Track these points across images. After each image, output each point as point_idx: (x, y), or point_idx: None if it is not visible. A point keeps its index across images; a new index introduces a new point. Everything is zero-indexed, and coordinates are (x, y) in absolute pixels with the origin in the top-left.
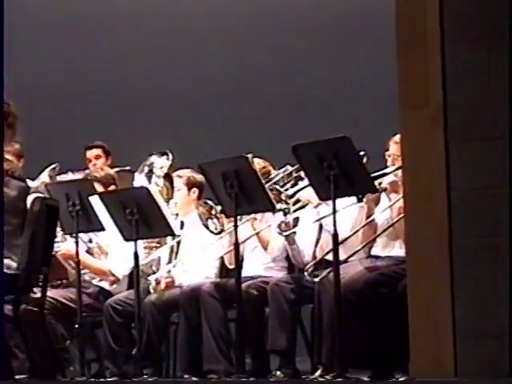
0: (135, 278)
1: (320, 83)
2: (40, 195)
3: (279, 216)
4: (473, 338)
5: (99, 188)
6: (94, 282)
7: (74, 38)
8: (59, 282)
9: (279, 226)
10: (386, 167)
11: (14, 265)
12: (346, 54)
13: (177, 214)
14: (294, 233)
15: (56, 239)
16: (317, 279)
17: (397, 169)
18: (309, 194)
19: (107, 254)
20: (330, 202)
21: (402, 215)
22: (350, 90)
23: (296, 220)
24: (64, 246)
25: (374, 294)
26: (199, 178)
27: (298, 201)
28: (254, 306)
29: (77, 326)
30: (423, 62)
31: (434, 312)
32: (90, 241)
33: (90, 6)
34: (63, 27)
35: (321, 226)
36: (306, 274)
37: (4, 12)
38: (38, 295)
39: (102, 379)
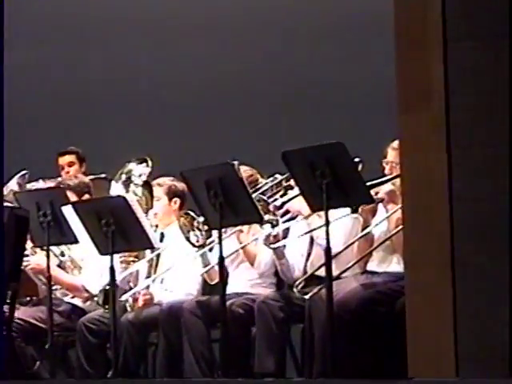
0: (111, 294)
1: (312, 85)
2: (8, 204)
3: (267, 228)
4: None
5: (72, 197)
6: (66, 298)
7: (49, 41)
8: (28, 298)
9: (267, 238)
10: (384, 175)
11: None
12: (339, 54)
13: (156, 226)
14: (283, 246)
15: (25, 252)
16: (307, 296)
17: (395, 177)
18: (299, 205)
19: (81, 268)
20: (322, 213)
21: (400, 227)
22: (344, 93)
23: (285, 232)
24: (34, 259)
25: (370, 313)
26: (181, 186)
27: (287, 212)
28: (239, 325)
29: (47, 346)
30: (424, 63)
31: (434, 333)
32: (63, 254)
33: (67, 11)
34: (39, 30)
35: (312, 239)
36: (295, 290)
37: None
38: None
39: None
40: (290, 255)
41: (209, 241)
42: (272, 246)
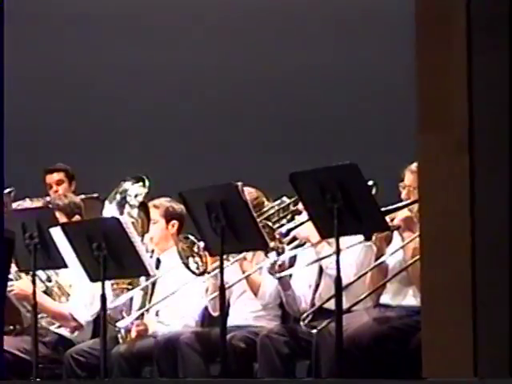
0: (102, 324)
1: (324, 102)
2: None
3: (272, 256)
4: None
5: (61, 218)
6: (53, 328)
7: (42, 48)
8: (12, 327)
9: (272, 267)
10: (400, 201)
11: None
12: (354, 67)
13: (152, 251)
14: (289, 276)
15: (9, 276)
16: (315, 331)
17: (412, 202)
18: (308, 231)
19: (69, 295)
20: (332, 241)
21: (417, 257)
22: (359, 111)
23: (292, 261)
24: (18, 284)
25: (383, 350)
26: (179, 208)
27: (294, 239)
28: (240, 360)
29: (32, 379)
30: (447, 78)
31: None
32: (49, 279)
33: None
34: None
35: (321, 269)
36: (302, 324)
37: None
38: None
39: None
40: (296, 286)
41: (210, 268)
42: (277, 275)
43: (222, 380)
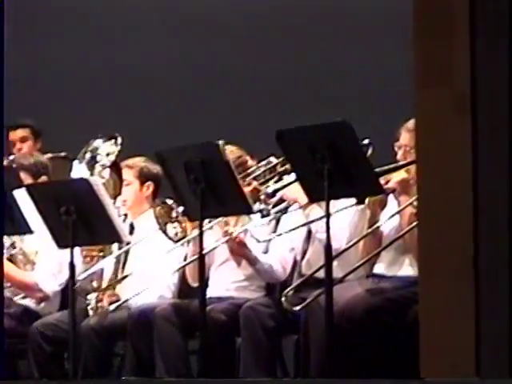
0: (70, 295)
1: (314, 56)
2: None
3: (257, 219)
4: None
5: (26, 179)
6: (17, 299)
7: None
8: None
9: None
10: (396, 161)
11: None
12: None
13: (125, 215)
14: (268, 240)
15: None
16: (298, 308)
17: (409, 163)
18: (296, 192)
19: (34, 263)
20: (322, 204)
21: (414, 224)
22: (351, 65)
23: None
24: None
25: (377, 323)
26: (155, 169)
27: (281, 200)
28: (221, 334)
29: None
30: (447, 29)
31: (452, 351)
32: (13, 246)
33: None
34: None
35: (309, 234)
36: (283, 300)
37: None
38: None
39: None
40: (274, 250)
41: (190, 234)
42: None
43: (223, 380)
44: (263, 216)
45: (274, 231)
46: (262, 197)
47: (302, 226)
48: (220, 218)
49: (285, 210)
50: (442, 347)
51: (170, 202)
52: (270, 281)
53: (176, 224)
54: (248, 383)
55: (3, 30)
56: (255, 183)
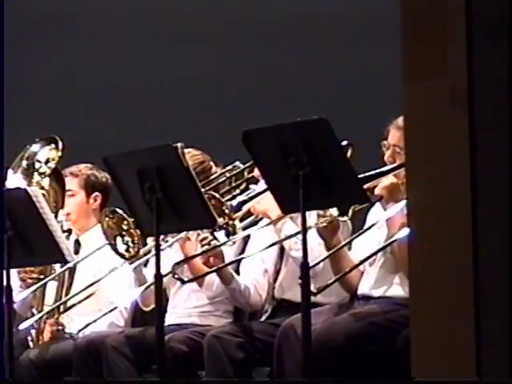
0: (7, 324)
1: (288, 49)
2: None
3: (221, 236)
4: None
5: None
6: None
7: None
8: None
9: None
10: (384, 164)
11: None
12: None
13: (69, 231)
14: (238, 262)
15: None
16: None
17: (398, 167)
18: (266, 204)
19: None
20: (296, 216)
21: (403, 235)
22: (331, 56)
23: (245, 242)
24: None
25: (361, 352)
26: (104, 177)
27: (249, 214)
28: (182, 367)
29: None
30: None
31: (452, 351)
32: None
33: None
34: None
35: (282, 252)
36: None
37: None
38: None
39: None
40: (246, 272)
41: (143, 251)
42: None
43: (222, 380)
44: (228, 234)
45: (243, 250)
46: (227, 210)
47: (274, 244)
48: (180, 235)
49: (254, 225)
50: (440, 348)
51: (120, 211)
52: (243, 306)
53: (127, 238)
54: (248, 383)
55: (3, 30)
56: (217, 195)
